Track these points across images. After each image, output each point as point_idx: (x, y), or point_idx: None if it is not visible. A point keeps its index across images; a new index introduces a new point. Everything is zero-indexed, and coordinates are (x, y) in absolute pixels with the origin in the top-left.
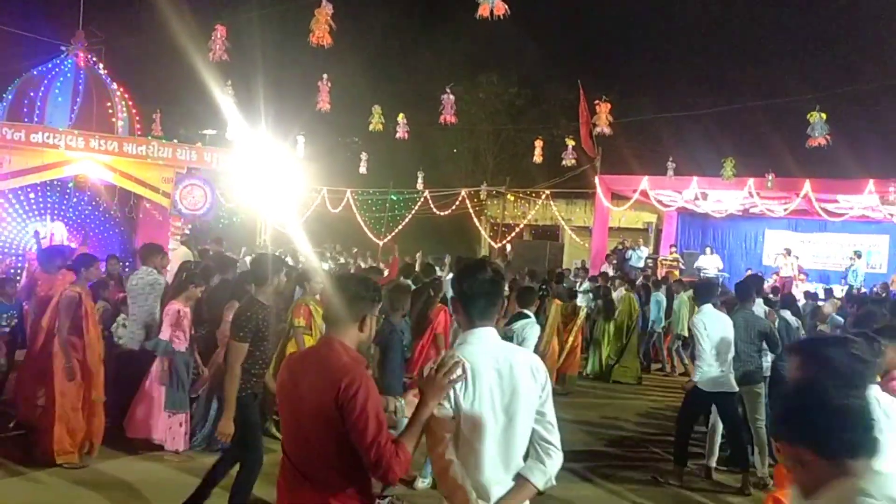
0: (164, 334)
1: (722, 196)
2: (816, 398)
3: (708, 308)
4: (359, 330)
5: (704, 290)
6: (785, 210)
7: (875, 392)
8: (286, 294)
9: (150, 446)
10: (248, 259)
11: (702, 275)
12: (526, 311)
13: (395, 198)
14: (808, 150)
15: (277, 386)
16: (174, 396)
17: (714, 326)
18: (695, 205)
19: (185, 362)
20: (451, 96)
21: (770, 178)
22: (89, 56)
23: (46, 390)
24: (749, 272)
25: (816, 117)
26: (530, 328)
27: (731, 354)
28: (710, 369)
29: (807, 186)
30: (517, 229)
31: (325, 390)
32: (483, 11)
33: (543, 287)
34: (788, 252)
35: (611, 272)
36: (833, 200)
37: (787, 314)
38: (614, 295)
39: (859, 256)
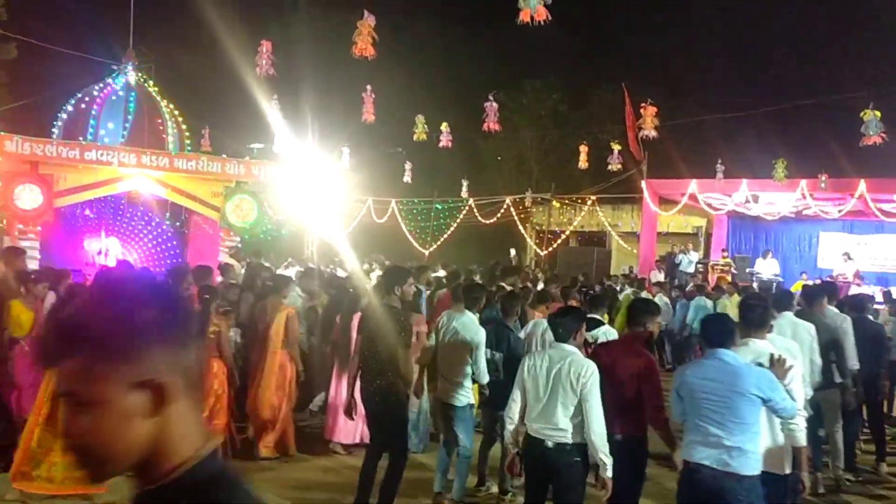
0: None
1: (774, 198)
2: None
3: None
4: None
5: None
6: (840, 211)
7: None
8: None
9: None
10: (292, 271)
11: (755, 279)
12: (598, 317)
13: (439, 207)
14: (863, 149)
15: None
16: None
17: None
18: (746, 208)
19: None
20: (495, 104)
21: (823, 178)
22: (140, 74)
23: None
24: (804, 276)
25: (870, 115)
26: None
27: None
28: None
29: (862, 186)
30: (563, 236)
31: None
32: (524, 17)
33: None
34: (848, 256)
35: (661, 278)
36: (889, 200)
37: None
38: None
39: None
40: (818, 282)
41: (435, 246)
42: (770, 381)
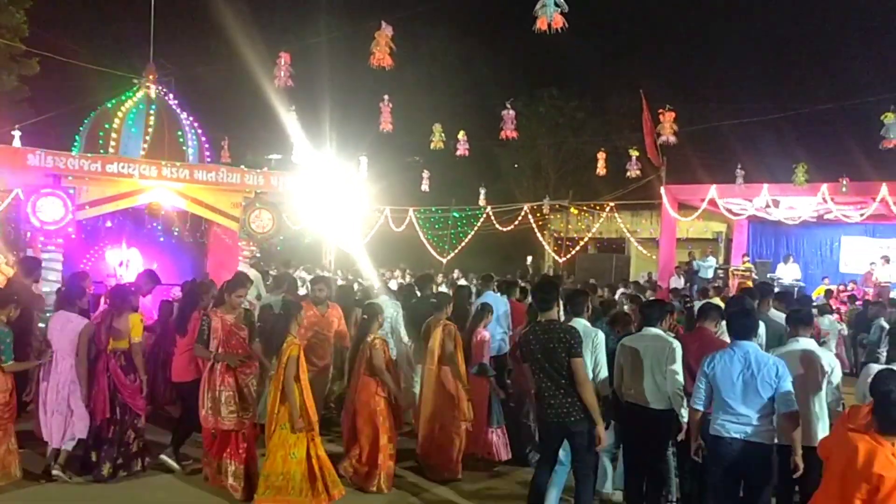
0: (486, 359)
1: (794, 203)
2: None
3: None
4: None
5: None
6: (861, 215)
7: None
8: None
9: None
10: (305, 277)
11: (776, 284)
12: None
13: (457, 215)
14: (884, 152)
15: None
16: (495, 413)
17: None
18: (766, 213)
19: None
20: (512, 111)
21: (844, 182)
22: (160, 87)
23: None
24: (826, 281)
25: (891, 118)
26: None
27: None
28: None
29: (884, 190)
30: (581, 243)
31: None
32: (541, 25)
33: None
34: (887, 260)
35: (681, 284)
36: None
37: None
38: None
39: None
40: (842, 287)
41: (453, 254)
42: (784, 370)
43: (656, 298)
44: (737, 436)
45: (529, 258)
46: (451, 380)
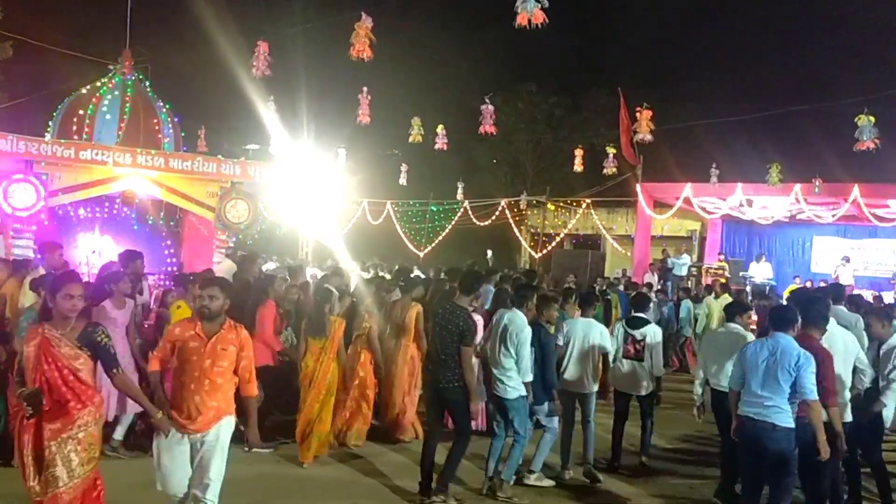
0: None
1: (768, 202)
2: None
3: None
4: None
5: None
6: (833, 216)
7: None
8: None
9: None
10: (271, 265)
11: (749, 283)
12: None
13: (435, 209)
14: (857, 154)
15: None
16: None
17: None
18: (740, 212)
19: None
20: (491, 106)
21: (817, 183)
22: (136, 74)
23: None
24: (797, 280)
25: (864, 120)
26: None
27: None
28: None
29: (855, 191)
30: (558, 238)
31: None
32: (521, 21)
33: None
34: (847, 260)
35: (655, 281)
36: (883, 206)
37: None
38: None
39: None
40: (809, 284)
41: (430, 248)
42: (807, 361)
43: (736, 300)
44: (752, 416)
45: (489, 252)
46: (417, 354)
